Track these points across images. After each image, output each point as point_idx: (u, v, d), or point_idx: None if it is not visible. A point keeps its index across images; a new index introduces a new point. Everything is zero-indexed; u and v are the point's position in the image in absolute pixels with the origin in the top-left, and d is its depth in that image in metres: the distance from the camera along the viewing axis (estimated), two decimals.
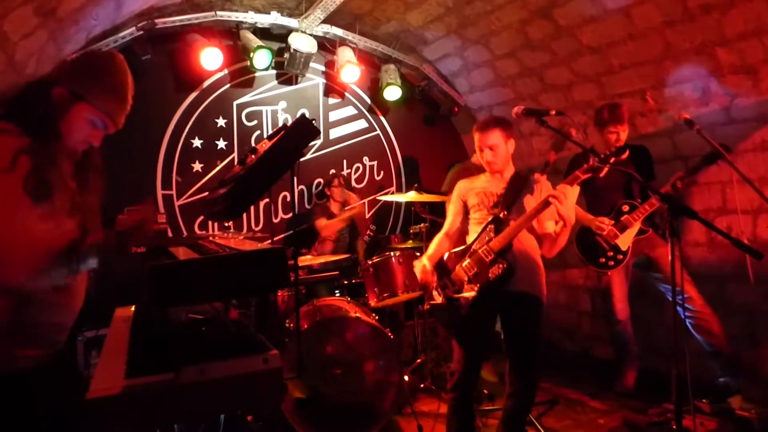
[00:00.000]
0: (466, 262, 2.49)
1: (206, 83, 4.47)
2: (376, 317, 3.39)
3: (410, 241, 4.04)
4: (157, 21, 3.96)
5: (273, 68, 4.62)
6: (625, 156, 2.38)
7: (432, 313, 3.23)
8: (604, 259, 3.32)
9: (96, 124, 1.57)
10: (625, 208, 3.29)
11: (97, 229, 1.62)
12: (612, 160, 2.25)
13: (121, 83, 1.60)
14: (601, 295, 3.61)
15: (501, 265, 2.37)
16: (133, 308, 2.01)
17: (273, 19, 4.44)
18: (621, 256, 3.28)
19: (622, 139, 3.35)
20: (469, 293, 2.42)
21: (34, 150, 1.43)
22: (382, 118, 5.27)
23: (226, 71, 4.52)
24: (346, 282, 4.05)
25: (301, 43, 4.45)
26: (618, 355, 3.65)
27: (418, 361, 3.97)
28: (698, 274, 3.71)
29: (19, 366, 1.48)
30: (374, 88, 5.13)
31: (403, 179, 5.34)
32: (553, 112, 2.35)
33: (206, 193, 4.18)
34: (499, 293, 2.42)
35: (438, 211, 4.03)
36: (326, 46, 4.82)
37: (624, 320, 3.51)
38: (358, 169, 5.15)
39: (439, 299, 2.55)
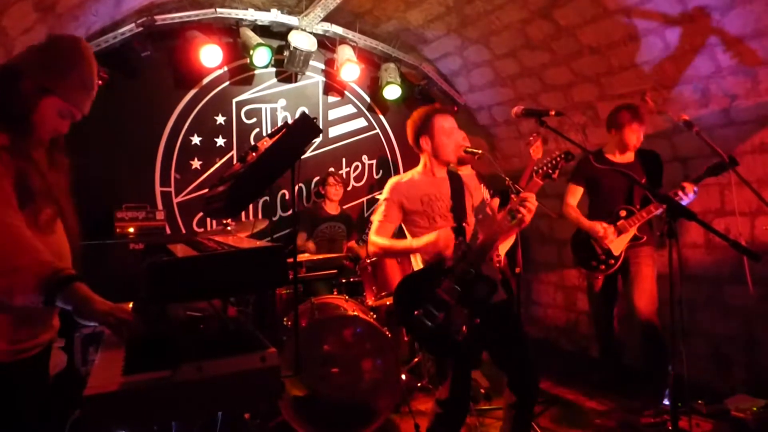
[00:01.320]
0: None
1: (205, 80, 4.46)
2: (374, 316, 3.39)
3: None
4: (156, 18, 3.95)
5: (273, 66, 4.61)
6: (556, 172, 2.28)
7: (420, 343, 2.90)
8: (595, 263, 3.32)
9: (64, 115, 1.58)
10: (623, 213, 3.27)
11: (71, 211, 1.60)
12: (556, 173, 2.18)
13: (89, 74, 1.58)
14: (594, 297, 3.58)
15: (484, 283, 2.23)
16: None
17: (273, 16, 4.43)
18: (612, 261, 3.27)
19: (641, 138, 3.29)
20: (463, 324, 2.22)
21: (13, 149, 1.41)
22: (382, 117, 5.27)
23: (225, 68, 4.51)
24: (344, 280, 4.04)
25: (301, 41, 4.44)
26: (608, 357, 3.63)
27: (416, 359, 3.97)
28: (696, 276, 3.73)
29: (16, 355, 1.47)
30: (374, 86, 5.12)
31: None
32: (553, 113, 2.35)
33: (206, 191, 4.19)
34: (483, 310, 2.24)
35: None
36: (326, 44, 4.81)
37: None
38: (357, 167, 5.15)
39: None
